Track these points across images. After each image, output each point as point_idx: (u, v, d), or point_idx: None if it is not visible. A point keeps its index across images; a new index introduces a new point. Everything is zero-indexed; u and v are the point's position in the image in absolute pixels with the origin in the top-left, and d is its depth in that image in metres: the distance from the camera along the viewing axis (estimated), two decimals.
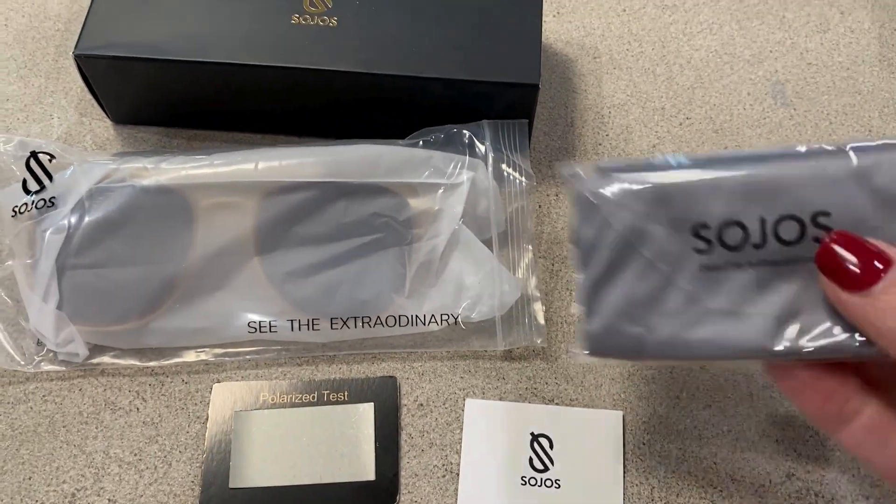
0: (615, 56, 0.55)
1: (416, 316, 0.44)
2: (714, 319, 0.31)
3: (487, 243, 0.45)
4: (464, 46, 0.46)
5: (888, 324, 0.27)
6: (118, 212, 0.43)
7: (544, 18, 0.56)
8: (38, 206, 0.44)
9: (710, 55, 0.55)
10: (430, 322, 0.44)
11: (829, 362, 0.31)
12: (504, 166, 0.46)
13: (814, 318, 0.30)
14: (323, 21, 0.47)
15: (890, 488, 0.40)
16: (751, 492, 0.41)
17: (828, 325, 0.30)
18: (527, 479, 0.41)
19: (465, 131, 0.47)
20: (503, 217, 0.46)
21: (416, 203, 0.45)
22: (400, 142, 0.47)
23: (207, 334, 0.44)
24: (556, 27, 0.56)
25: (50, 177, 0.44)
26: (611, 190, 0.32)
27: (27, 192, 0.44)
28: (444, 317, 0.44)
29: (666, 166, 0.32)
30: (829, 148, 0.30)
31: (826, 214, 0.30)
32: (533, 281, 0.45)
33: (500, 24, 0.47)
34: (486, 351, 0.45)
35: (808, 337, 0.30)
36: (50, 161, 0.45)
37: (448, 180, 0.45)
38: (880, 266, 0.27)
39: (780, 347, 0.30)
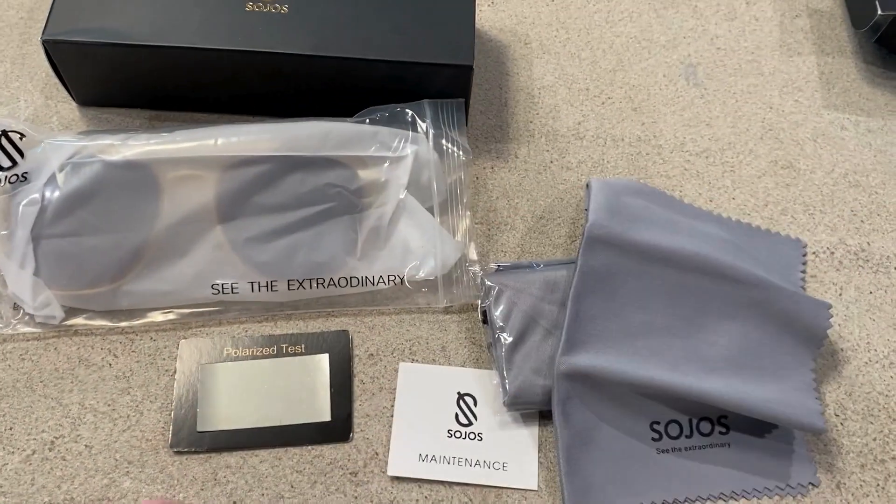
0: (544, 42, 0.60)
1: (367, 277, 0.49)
2: None
3: (430, 211, 0.50)
4: (405, 31, 0.51)
5: None
6: (89, 185, 0.47)
7: (480, 7, 0.61)
8: (12, 181, 0.47)
9: (630, 41, 0.61)
10: (378, 282, 0.49)
11: None
12: (444, 142, 0.51)
13: None
14: (275, 8, 0.51)
15: None
16: None
17: None
18: (452, 433, 0.46)
19: (407, 110, 0.51)
20: (444, 187, 0.51)
21: (365, 174, 0.49)
22: (348, 119, 0.51)
23: (175, 296, 0.48)
24: (491, 15, 0.61)
25: (21, 154, 0.48)
26: (514, 280, 0.47)
27: (0, 168, 0.47)
28: (392, 277, 0.49)
29: (537, 265, 0.48)
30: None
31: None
32: (471, 244, 0.50)
33: (437, 11, 0.52)
34: (429, 306, 0.50)
35: None
36: (21, 139, 0.48)
37: (393, 153, 0.50)
38: None
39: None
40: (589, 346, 0.45)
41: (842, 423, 0.47)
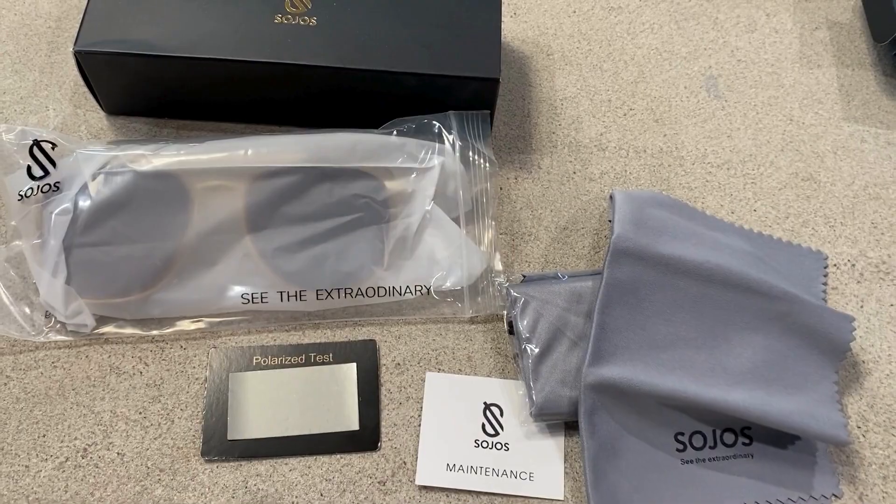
0: (566, 53, 0.61)
1: (394, 287, 0.49)
2: None
3: (455, 221, 0.50)
4: (432, 44, 0.51)
5: None
6: (120, 195, 0.47)
7: (503, 19, 0.61)
8: (44, 190, 0.48)
9: (651, 52, 0.61)
10: (405, 292, 0.50)
11: None
12: (469, 153, 0.52)
13: None
14: (303, 20, 0.52)
15: None
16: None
17: None
18: (479, 442, 0.47)
19: (434, 122, 0.52)
20: (469, 198, 0.51)
21: (392, 185, 0.50)
22: (375, 131, 0.52)
23: (204, 305, 0.48)
24: (514, 27, 0.62)
25: (53, 163, 0.48)
26: (540, 292, 0.47)
27: (32, 177, 0.48)
28: (418, 287, 0.50)
29: (562, 276, 0.49)
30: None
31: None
32: (496, 255, 0.51)
33: (464, 23, 0.52)
34: (455, 316, 0.50)
35: None
36: (52, 149, 0.49)
37: (420, 165, 0.50)
38: None
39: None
40: (615, 357, 0.46)
41: (864, 435, 0.48)
